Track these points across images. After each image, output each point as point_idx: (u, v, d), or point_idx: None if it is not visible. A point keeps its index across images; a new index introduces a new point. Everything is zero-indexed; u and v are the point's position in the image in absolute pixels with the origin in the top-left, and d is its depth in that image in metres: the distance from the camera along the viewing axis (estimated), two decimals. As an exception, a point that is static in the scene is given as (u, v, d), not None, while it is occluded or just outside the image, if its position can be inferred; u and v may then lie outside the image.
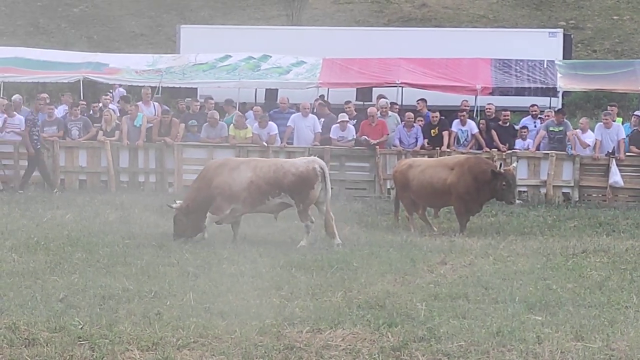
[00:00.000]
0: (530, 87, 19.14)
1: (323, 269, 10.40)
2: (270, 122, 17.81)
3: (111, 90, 21.42)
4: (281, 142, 17.70)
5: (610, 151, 16.98)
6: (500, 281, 9.91)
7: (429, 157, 16.15)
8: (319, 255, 11.24)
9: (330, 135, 17.72)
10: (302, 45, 21.62)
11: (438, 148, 17.22)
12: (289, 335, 7.70)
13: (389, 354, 7.31)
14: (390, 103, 18.74)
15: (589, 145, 17.09)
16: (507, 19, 34.12)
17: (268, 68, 19.90)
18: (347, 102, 18.63)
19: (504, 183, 13.63)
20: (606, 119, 17.23)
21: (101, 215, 14.48)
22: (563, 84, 19.11)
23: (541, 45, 22.91)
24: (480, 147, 17.48)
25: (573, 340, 7.65)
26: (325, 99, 19.86)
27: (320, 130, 17.88)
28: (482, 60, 19.85)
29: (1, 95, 19.40)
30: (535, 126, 17.99)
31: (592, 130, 17.46)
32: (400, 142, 17.64)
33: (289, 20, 33.11)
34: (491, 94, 19.06)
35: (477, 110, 18.80)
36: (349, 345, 7.50)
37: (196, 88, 20.93)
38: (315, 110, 18.45)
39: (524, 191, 17.09)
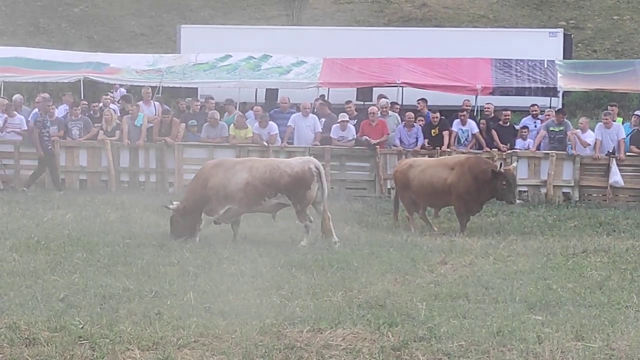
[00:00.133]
0: (530, 87, 19.14)
1: (323, 268, 10.41)
2: (270, 122, 17.81)
3: (112, 91, 21.42)
4: (281, 142, 17.71)
5: (611, 151, 16.98)
6: (501, 281, 9.91)
7: (429, 157, 16.15)
8: (320, 255, 11.24)
9: (331, 135, 17.72)
10: (303, 45, 21.61)
11: (438, 148, 17.22)
12: (290, 334, 7.71)
13: (390, 353, 7.31)
14: (391, 103, 18.75)
15: (589, 145, 17.10)
16: (507, 18, 34.12)
17: (268, 68, 19.90)
18: (348, 102, 18.63)
19: (504, 183, 13.64)
20: (606, 119, 17.23)
21: (102, 215, 14.49)
22: (563, 83, 19.10)
23: (541, 45, 22.90)
24: (480, 147, 17.48)
25: (573, 340, 7.65)
26: (326, 98, 19.86)
27: (321, 130, 17.88)
28: (483, 60, 19.85)
29: (1, 95, 19.39)
30: (535, 126, 17.99)
31: (592, 130, 17.47)
32: (401, 141, 17.64)
33: (289, 20, 33.11)
34: (491, 93, 19.06)
35: (477, 110, 18.80)
36: (350, 344, 7.50)
37: (197, 88, 20.92)
38: (315, 110, 18.45)
39: (525, 191, 17.09)
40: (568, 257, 11.57)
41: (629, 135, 17.31)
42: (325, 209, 12.31)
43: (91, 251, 11.20)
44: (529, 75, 19.29)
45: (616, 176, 16.77)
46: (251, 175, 12.20)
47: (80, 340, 7.45)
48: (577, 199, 17.01)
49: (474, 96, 18.99)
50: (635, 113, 18.25)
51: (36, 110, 18.61)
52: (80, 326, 7.76)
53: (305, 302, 8.78)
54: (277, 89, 20.50)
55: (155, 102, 19.20)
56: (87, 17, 35.65)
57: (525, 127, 17.89)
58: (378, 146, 17.39)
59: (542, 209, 16.04)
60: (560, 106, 19.97)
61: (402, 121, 17.93)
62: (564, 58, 22.23)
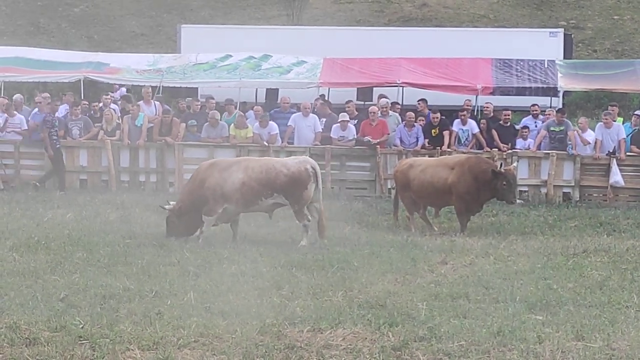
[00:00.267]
0: (531, 87, 19.13)
1: (324, 268, 10.40)
2: (270, 122, 17.82)
3: (112, 92, 21.40)
4: (282, 142, 17.71)
5: (611, 151, 16.98)
6: (501, 281, 9.91)
7: (429, 156, 16.14)
8: (320, 254, 11.24)
9: (331, 135, 17.72)
10: (303, 45, 21.60)
11: (439, 148, 17.21)
12: (290, 334, 7.70)
13: (390, 353, 7.31)
14: (392, 103, 18.74)
15: (589, 143, 17.09)
16: (507, 18, 34.12)
17: (269, 68, 19.88)
18: (348, 102, 18.63)
19: (504, 183, 13.64)
20: (607, 119, 17.22)
21: (102, 214, 14.49)
22: (564, 83, 19.09)
23: (542, 45, 22.89)
24: (481, 147, 17.47)
25: (574, 339, 7.65)
26: (326, 98, 19.85)
27: (321, 130, 17.88)
28: (483, 60, 19.84)
29: (2, 95, 19.39)
30: (536, 126, 17.99)
31: (592, 130, 17.46)
32: (401, 141, 17.64)
33: (289, 20, 33.11)
34: (492, 93, 19.04)
35: (478, 110, 18.79)
36: (350, 344, 7.50)
37: (197, 88, 20.91)
38: (316, 110, 18.45)
39: (525, 191, 17.09)
40: (568, 257, 11.57)
41: (630, 135, 17.31)
42: (322, 209, 12.30)
43: (91, 251, 11.20)
44: (529, 75, 19.28)
45: (616, 176, 16.77)
46: (247, 176, 12.17)
47: (81, 340, 7.45)
48: (578, 199, 17.01)
49: (475, 96, 18.97)
50: (635, 113, 18.25)
51: (36, 110, 18.63)
52: (81, 326, 7.76)
53: (306, 302, 8.78)
54: (277, 89, 20.49)
55: (156, 102, 19.20)
56: (87, 17, 35.65)
57: (525, 127, 17.88)
58: (378, 146, 17.39)
59: (543, 209, 16.04)
60: (560, 106, 19.96)
61: (402, 121, 17.93)
62: (565, 58, 22.22)
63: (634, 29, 33.60)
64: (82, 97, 19.77)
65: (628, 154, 17.05)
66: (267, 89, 21.03)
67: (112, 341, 7.41)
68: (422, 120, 17.80)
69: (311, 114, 18.04)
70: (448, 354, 7.28)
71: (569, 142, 17.17)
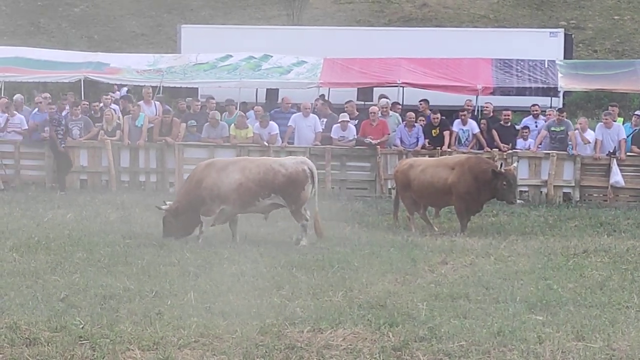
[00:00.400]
0: (531, 87, 19.12)
1: (324, 268, 10.40)
2: (271, 122, 17.82)
3: (112, 92, 21.40)
4: (282, 142, 17.70)
5: (611, 151, 16.98)
6: (501, 281, 9.91)
7: (429, 157, 16.14)
8: (320, 255, 11.24)
9: (331, 135, 17.72)
10: (303, 45, 21.60)
11: (439, 148, 17.21)
12: (290, 335, 7.70)
13: (390, 353, 7.31)
14: (393, 103, 18.74)
15: (589, 142, 17.08)
16: (508, 18, 34.12)
17: (269, 68, 19.88)
18: (348, 102, 18.62)
19: (504, 183, 13.64)
20: (607, 119, 17.22)
21: (102, 214, 14.49)
22: (564, 83, 19.09)
23: (542, 45, 22.89)
24: (481, 147, 17.47)
25: (574, 340, 7.65)
26: (326, 98, 19.85)
27: (322, 130, 17.88)
28: (483, 60, 19.83)
29: (2, 95, 19.40)
30: (536, 126, 17.98)
31: (593, 130, 17.45)
32: (401, 141, 17.64)
33: (289, 20, 33.11)
34: (492, 93, 19.03)
35: (478, 110, 18.79)
36: (350, 344, 7.50)
37: (197, 88, 20.92)
38: (316, 110, 18.44)
39: (525, 191, 17.09)
40: (569, 257, 11.57)
41: (630, 136, 17.30)
42: (316, 209, 12.29)
43: (91, 251, 11.20)
44: (529, 75, 19.28)
45: (617, 176, 16.77)
46: (244, 176, 12.14)
47: (81, 340, 7.45)
48: (578, 199, 17.00)
49: (475, 96, 18.97)
50: (635, 113, 18.25)
51: (36, 110, 18.64)
52: (81, 326, 7.77)
53: (306, 302, 8.78)
54: (277, 89, 20.50)
55: (156, 102, 19.20)
56: (87, 17, 35.65)
57: (526, 127, 17.88)
58: (379, 146, 17.38)
59: (543, 209, 16.03)
60: (560, 106, 19.95)
61: (402, 121, 17.92)
62: (565, 58, 22.22)
63: (634, 29, 33.60)
64: (82, 97, 19.77)
65: (628, 154, 17.05)
66: (267, 89, 21.02)
67: (112, 341, 7.41)
68: (423, 121, 17.80)
69: (311, 114, 18.04)
70: (448, 354, 7.28)
71: (569, 143, 17.17)
